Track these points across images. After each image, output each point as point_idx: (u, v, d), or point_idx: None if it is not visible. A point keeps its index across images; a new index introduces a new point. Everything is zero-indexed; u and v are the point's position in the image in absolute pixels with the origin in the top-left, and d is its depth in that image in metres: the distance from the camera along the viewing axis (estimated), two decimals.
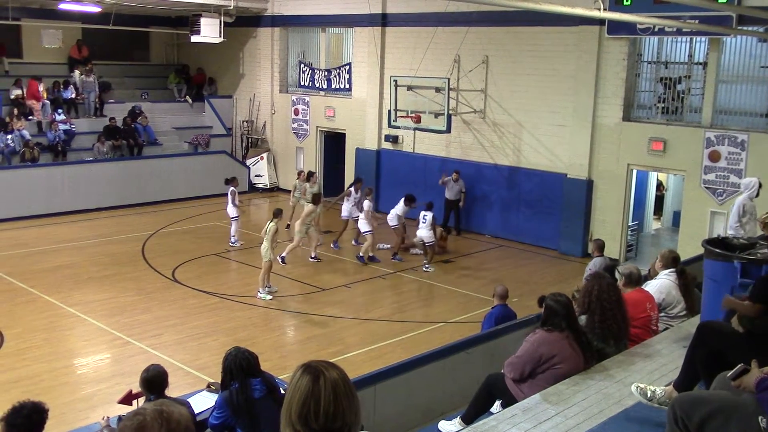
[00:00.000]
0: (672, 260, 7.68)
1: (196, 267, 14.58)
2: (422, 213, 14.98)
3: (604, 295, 6.00)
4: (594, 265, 10.57)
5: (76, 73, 21.55)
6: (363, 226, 15.24)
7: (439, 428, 6.08)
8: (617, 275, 7.26)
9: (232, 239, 16.20)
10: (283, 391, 5.36)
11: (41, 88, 20.44)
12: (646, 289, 7.23)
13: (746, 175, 13.40)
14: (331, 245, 15.95)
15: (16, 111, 19.50)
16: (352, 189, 16.30)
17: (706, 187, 14.37)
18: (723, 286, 5.73)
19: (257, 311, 12.21)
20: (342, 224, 16.34)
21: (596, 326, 5.99)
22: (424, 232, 14.93)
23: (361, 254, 15.05)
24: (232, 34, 21.76)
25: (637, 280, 7.00)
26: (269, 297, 12.72)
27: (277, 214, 12.93)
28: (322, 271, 14.53)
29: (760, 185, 10.27)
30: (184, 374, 9.50)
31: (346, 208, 16.12)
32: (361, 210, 15.55)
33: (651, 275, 8.08)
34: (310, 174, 17.35)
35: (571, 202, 16.19)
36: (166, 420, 2.11)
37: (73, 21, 21.17)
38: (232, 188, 16.28)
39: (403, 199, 15.38)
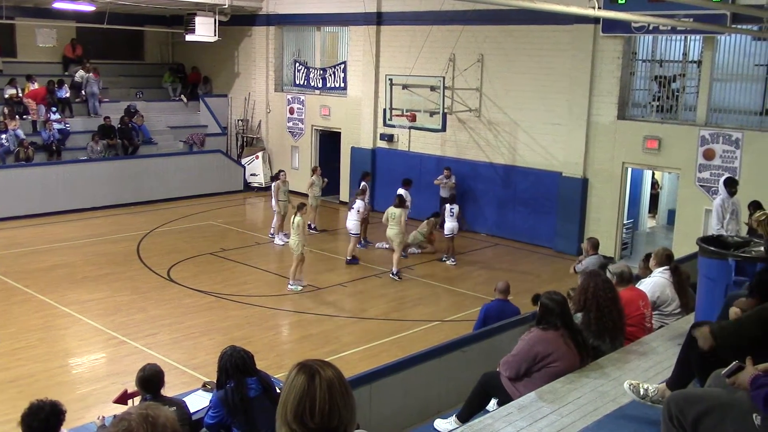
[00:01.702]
0: (666, 258, 7.69)
1: (191, 266, 14.55)
2: (448, 206, 15.38)
3: (600, 293, 6.01)
4: (589, 263, 10.57)
5: (81, 72, 21.45)
6: (354, 227, 15.06)
7: (435, 427, 6.09)
8: (608, 274, 7.27)
9: (271, 231, 16.70)
10: (278, 390, 5.37)
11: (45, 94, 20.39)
12: (640, 287, 7.25)
13: (740, 174, 13.46)
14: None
15: (7, 110, 19.39)
16: (364, 183, 16.37)
17: (701, 185, 14.40)
18: (718, 284, 5.75)
19: (253, 310, 12.19)
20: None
21: (592, 324, 6.00)
22: (452, 223, 15.16)
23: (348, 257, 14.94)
24: (227, 33, 21.70)
25: (628, 278, 7.02)
26: (299, 288, 12.99)
27: (301, 207, 13.19)
28: (318, 269, 14.51)
29: (732, 183, 10.24)
30: (179, 373, 9.49)
31: (361, 204, 15.98)
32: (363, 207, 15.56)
33: (640, 275, 8.10)
34: (314, 168, 18.16)
35: (566, 201, 16.20)
36: (151, 424, 2.09)
37: (67, 20, 21.12)
38: (276, 183, 16.76)
39: (402, 189, 15.68)
